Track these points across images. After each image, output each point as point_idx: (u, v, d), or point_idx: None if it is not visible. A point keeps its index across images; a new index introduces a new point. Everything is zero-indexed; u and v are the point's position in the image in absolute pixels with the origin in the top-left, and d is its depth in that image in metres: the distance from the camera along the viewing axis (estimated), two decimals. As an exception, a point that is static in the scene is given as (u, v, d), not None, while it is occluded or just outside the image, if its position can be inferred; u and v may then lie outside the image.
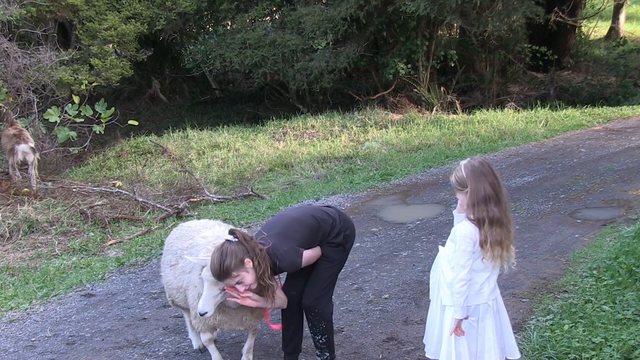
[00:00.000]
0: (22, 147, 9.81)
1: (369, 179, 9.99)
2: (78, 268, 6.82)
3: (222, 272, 3.53)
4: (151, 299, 5.70)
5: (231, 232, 3.64)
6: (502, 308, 3.47)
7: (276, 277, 3.88)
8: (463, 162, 3.34)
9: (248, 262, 3.55)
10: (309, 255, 3.80)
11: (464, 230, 3.29)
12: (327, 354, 3.96)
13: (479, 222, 3.24)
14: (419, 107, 16.38)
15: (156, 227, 8.37)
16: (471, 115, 15.43)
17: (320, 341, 3.93)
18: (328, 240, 3.90)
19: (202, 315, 3.68)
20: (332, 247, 3.91)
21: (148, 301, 5.65)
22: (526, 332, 4.32)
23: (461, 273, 3.28)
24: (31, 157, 9.91)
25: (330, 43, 16.00)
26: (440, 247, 3.54)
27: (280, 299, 3.85)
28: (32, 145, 9.99)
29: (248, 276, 3.58)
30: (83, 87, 12.78)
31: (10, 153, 9.85)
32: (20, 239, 7.95)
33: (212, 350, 4.17)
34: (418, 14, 13.80)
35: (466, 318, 3.34)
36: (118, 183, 10.75)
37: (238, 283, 3.59)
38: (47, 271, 6.67)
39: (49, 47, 12.73)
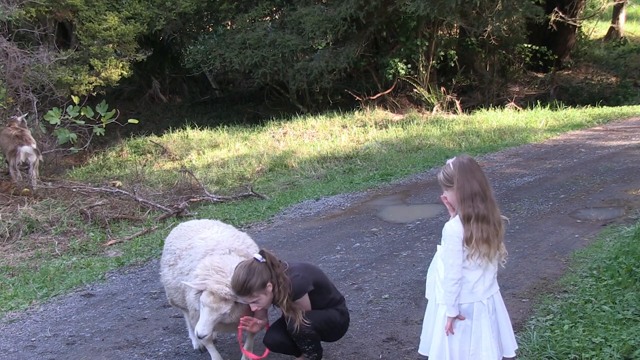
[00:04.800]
0: (25, 149, 9.77)
1: (369, 179, 9.98)
2: (78, 268, 6.82)
3: (244, 289, 3.61)
4: (151, 299, 5.70)
5: (261, 253, 3.71)
6: (499, 306, 3.46)
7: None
8: (451, 160, 3.39)
9: (269, 286, 3.66)
10: (307, 300, 3.86)
11: (451, 230, 3.31)
12: (315, 355, 3.94)
13: (465, 219, 3.26)
14: (419, 107, 16.40)
15: (156, 227, 8.37)
16: (471, 115, 15.43)
17: (308, 349, 3.91)
18: (337, 305, 4.01)
19: (200, 338, 3.74)
20: (338, 312, 4.00)
21: (148, 301, 5.65)
22: (526, 332, 4.32)
23: (451, 272, 3.29)
24: (33, 158, 9.88)
25: (330, 43, 16.01)
26: (438, 246, 3.55)
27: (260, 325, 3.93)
28: (35, 146, 9.97)
29: (265, 298, 3.68)
30: (83, 87, 12.78)
31: (11, 154, 9.80)
32: (20, 239, 7.95)
33: (212, 350, 4.17)
34: (418, 14, 13.81)
35: (462, 319, 3.34)
36: (118, 183, 10.75)
37: (253, 302, 3.68)
38: (47, 271, 6.67)
39: (47, 47, 12.73)
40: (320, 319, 3.85)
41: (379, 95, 16.59)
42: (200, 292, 3.75)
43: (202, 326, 3.69)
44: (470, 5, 14.03)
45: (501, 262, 3.40)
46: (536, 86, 19.87)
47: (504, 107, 16.13)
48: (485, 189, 3.29)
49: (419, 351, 3.62)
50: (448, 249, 3.30)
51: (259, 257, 3.68)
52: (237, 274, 3.63)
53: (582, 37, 22.34)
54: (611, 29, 23.84)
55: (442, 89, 16.58)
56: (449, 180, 3.33)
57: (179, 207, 9.09)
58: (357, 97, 16.37)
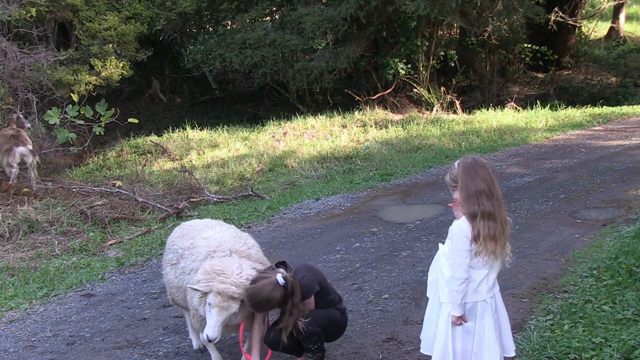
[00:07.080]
0: (20, 150, 9.71)
1: (369, 179, 9.98)
2: (78, 268, 6.82)
3: (258, 306, 3.68)
4: (151, 299, 5.70)
5: (284, 278, 3.66)
6: (500, 305, 3.48)
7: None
8: (457, 161, 3.44)
9: (282, 308, 3.73)
10: (312, 300, 3.91)
11: (458, 229, 3.31)
12: (319, 354, 3.95)
13: (471, 216, 3.28)
14: (419, 107, 16.40)
15: (156, 227, 8.37)
16: (471, 115, 15.43)
17: (313, 348, 3.91)
18: (337, 305, 4.08)
19: (210, 341, 3.71)
20: (338, 311, 4.06)
21: (148, 301, 5.65)
22: (526, 332, 4.32)
23: (458, 272, 3.29)
24: (30, 159, 9.82)
25: (330, 43, 16.01)
26: (440, 245, 3.55)
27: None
28: (31, 147, 9.93)
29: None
30: (83, 87, 12.78)
31: (5, 153, 9.75)
32: (20, 239, 7.95)
33: (212, 350, 4.17)
34: (418, 14, 13.81)
35: (465, 321, 3.34)
36: (118, 183, 10.74)
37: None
38: (47, 271, 6.67)
39: (46, 47, 12.73)
40: (324, 317, 3.89)
41: (379, 95, 16.58)
42: (205, 295, 3.73)
43: (212, 328, 3.66)
44: (470, 5, 14.03)
45: (505, 261, 3.42)
46: (536, 86, 19.87)
47: (504, 107, 16.12)
48: (491, 187, 3.31)
49: (421, 350, 3.63)
50: (455, 248, 3.30)
51: (281, 280, 3.64)
52: (256, 288, 3.63)
53: (582, 37, 22.32)
54: (611, 28, 23.83)
55: (442, 89, 16.58)
56: (454, 181, 3.37)
57: (179, 207, 9.09)
58: (357, 97, 16.37)
